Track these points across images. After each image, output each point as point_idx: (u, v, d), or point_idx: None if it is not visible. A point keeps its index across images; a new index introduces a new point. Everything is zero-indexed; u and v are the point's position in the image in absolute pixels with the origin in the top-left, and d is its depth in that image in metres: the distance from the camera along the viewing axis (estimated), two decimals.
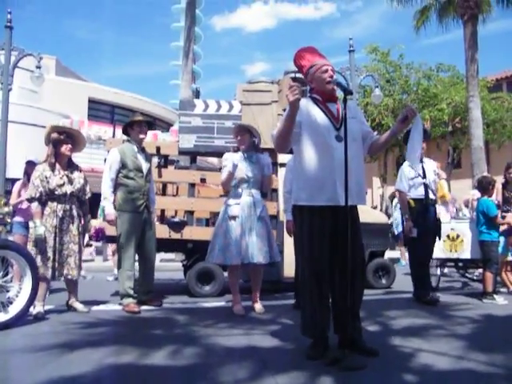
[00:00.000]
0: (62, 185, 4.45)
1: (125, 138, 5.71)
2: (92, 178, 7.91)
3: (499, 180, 6.23)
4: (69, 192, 4.48)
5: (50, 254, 4.33)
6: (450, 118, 19.42)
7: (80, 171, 4.71)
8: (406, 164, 5.29)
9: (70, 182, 4.53)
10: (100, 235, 7.50)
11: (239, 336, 3.52)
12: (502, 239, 5.65)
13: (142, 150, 4.99)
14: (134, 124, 4.93)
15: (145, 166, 4.92)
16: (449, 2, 14.49)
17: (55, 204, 4.42)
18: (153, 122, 5.72)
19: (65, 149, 4.53)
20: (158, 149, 5.87)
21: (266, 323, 4.02)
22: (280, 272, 5.69)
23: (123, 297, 4.69)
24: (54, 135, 4.50)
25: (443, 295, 5.57)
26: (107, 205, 4.77)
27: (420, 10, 15.32)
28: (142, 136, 4.92)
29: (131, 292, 4.69)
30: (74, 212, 4.55)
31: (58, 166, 4.50)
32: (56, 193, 4.42)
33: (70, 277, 4.46)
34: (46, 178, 4.40)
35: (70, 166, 4.64)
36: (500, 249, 5.59)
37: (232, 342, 3.32)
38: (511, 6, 13.86)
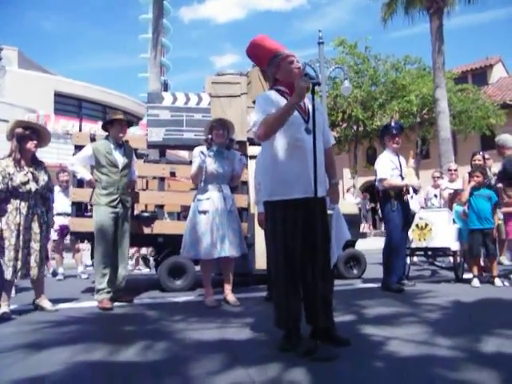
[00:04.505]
0: (27, 182, 4.31)
1: (93, 132, 5.64)
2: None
3: (466, 170, 6.37)
4: (33, 189, 4.34)
5: (12, 252, 4.17)
6: (418, 109, 19.78)
7: (44, 168, 4.58)
8: (385, 155, 5.39)
9: (35, 179, 4.38)
10: (65, 232, 7.39)
11: (211, 330, 3.50)
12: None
13: (121, 145, 4.94)
14: (115, 122, 4.89)
15: (122, 161, 4.88)
16: None
17: (18, 201, 4.27)
18: (133, 122, 5.69)
19: (30, 145, 4.37)
20: (127, 142, 5.76)
21: (238, 316, 4.01)
22: (251, 264, 5.69)
23: (97, 292, 4.63)
24: (19, 130, 4.33)
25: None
26: (81, 171, 4.92)
27: (387, 3, 15.52)
28: (120, 135, 4.92)
29: (105, 287, 4.63)
30: (38, 209, 4.41)
31: (22, 162, 4.36)
32: (20, 190, 4.27)
33: (29, 276, 4.33)
34: (10, 174, 4.24)
35: (34, 163, 4.49)
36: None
37: (204, 335, 3.30)
38: (473, 2, 14.29)
